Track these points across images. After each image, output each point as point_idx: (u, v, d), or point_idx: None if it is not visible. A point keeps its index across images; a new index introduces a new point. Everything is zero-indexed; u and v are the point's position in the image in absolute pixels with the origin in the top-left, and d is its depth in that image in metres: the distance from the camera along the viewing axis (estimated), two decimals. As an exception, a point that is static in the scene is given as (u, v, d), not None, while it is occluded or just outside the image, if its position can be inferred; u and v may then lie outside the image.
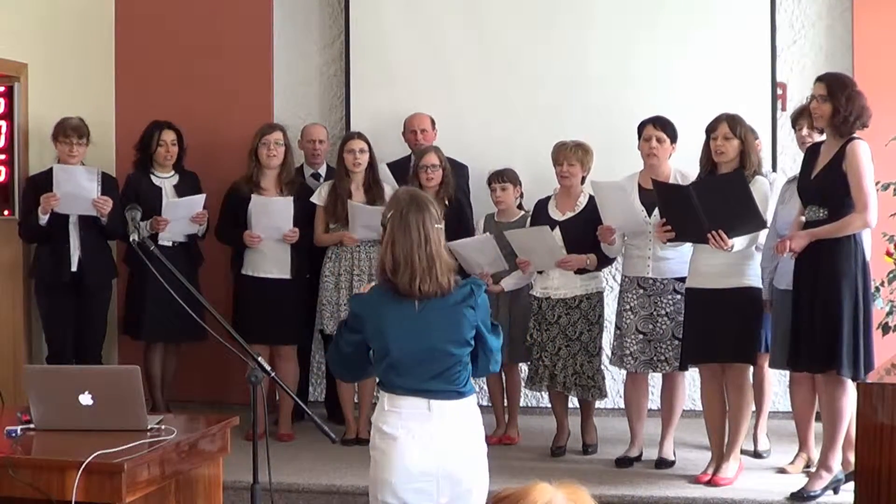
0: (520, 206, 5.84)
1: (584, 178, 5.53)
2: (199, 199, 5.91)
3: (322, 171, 6.42)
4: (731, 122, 4.90)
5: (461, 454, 3.20)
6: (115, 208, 5.64)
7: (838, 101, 4.46)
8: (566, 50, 6.46)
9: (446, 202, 5.81)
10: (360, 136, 5.86)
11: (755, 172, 4.91)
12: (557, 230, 5.45)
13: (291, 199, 5.81)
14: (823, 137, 4.70)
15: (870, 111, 4.49)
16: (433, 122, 6.30)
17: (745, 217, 4.68)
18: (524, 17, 6.52)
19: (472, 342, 3.23)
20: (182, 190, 6.02)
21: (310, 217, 5.85)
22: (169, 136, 6.02)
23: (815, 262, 4.49)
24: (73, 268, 5.72)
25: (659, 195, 4.98)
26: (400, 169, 6.11)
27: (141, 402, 3.53)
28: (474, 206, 6.07)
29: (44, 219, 5.61)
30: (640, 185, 5.30)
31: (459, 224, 5.81)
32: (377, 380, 3.34)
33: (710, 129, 4.95)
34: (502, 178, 5.76)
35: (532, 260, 5.50)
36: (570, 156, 5.46)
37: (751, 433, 5.36)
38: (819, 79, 4.62)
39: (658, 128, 5.24)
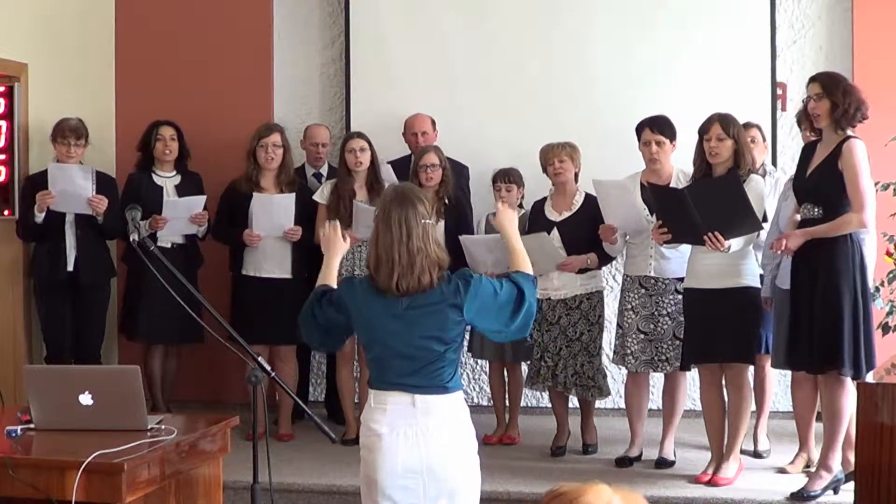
0: (520, 206, 5.85)
1: (577, 176, 5.54)
2: (199, 200, 5.90)
3: (324, 171, 6.42)
4: (724, 123, 4.89)
5: (447, 450, 3.20)
6: (112, 207, 5.64)
7: (835, 96, 4.46)
8: (566, 50, 6.46)
9: (446, 201, 5.82)
10: (359, 135, 5.86)
11: (749, 171, 4.91)
12: (555, 231, 5.45)
13: (293, 195, 5.80)
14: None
15: (867, 104, 4.49)
16: (434, 123, 6.30)
17: (740, 219, 4.68)
18: (524, 18, 6.52)
19: (458, 339, 3.22)
20: (184, 190, 5.99)
21: (310, 216, 5.85)
22: (167, 131, 6.00)
23: (812, 261, 4.49)
24: (70, 267, 5.71)
25: (654, 198, 4.98)
26: (400, 168, 6.11)
27: (141, 402, 3.53)
28: (475, 205, 6.07)
29: (40, 216, 5.61)
30: (642, 185, 5.30)
31: (459, 223, 5.82)
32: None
33: (703, 131, 4.95)
34: (508, 178, 5.77)
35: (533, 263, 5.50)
36: (559, 153, 5.47)
37: (751, 433, 5.36)
38: (812, 79, 4.63)
39: (656, 131, 5.24)
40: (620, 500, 1.89)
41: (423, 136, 6.24)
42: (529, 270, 3.36)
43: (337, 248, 3.49)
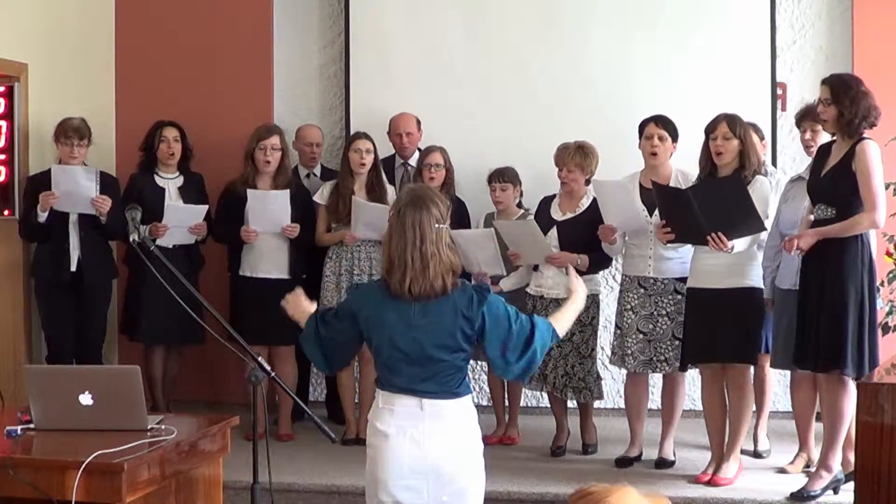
0: (519, 205, 5.84)
1: (588, 181, 5.52)
2: (200, 210, 5.90)
3: (317, 171, 6.42)
4: (731, 122, 4.90)
5: (453, 453, 3.20)
6: (115, 208, 5.63)
7: (842, 105, 4.46)
8: (566, 50, 6.46)
9: (448, 203, 5.80)
10: (366, 136, 5.85)
11: (755, 172, 4.91)
12: (554, 230, 5.45)
13: (287, 191, 5.78)
14: (829, 138, 4.71)
15: (878, 110, 4.49)
16: (419, 123, 6.30)
17: (744, 220, 4.68)
18: (524, 17, 6.52)
19: (467, 347, 3.21)
20: (186, 192, 5.99)
21: (306, 217, 5.84)
22: (171, 132, 6.00)
23: (821, 261, 4.49)
24: (73, 267, 5.71)
25: (658, 198, 4.98)
26: (384, 167, 6.09)
27: (141, 402, 3.53)
28: (475, 205, 6.06)
29: (43, 216, 5.60)
30: (640, 185, 5.30)
31: (459, 224, 5.81)
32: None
33: (710, 130, 4.95)
34: (503, 177, 5.75)
35: (521, 253, 5.50)
36: (569, 161, 5.44)
37: (751, 433, 5.36)
38: (823, 81, 4.62)
39: (660, 126, 5.24)
40: (648, 503, 1.88)
41: (409, 136, 6.25)
42: (560, 329, 3.32)
43: (303, 312, 3.44)
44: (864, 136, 4.49)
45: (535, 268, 5.54)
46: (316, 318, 3.36)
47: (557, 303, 5.41)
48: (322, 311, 3.39)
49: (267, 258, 5.83)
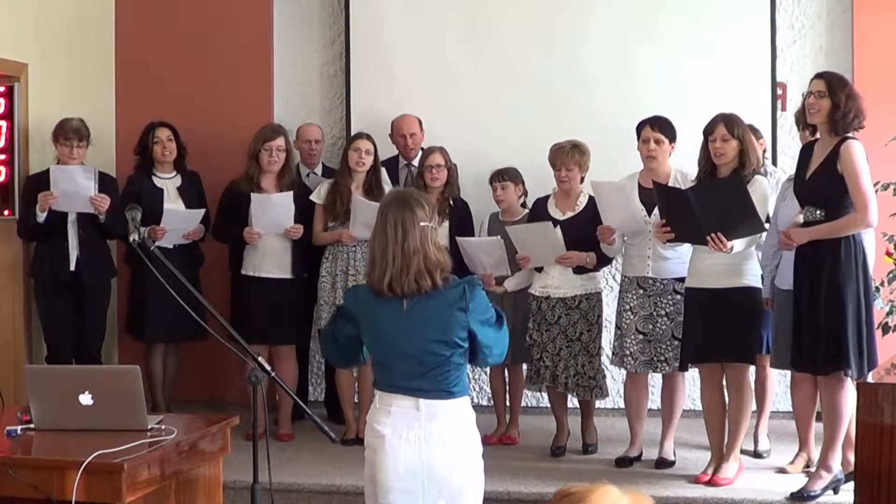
0: (523, 205, 5.84)
1: (582, 178, 5.53)
2: (198, 213, 5.90)
3: (318, 171, 6.42)
4: (729, 123, 4.89)
5: (450, 455, 3.20)
6: (114, 207, 5.64)
7: (838, 98, 4.45)
8: (566, 50, 6.46)
9: (451, 202, 5.81)
10: (368, 137, 5.85)
11: (754, 171, 4.91)
12: (558, 229, 5.45)
13: (291, 193, 5.79)
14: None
15: (865, 114, 4.49)
16: (421, 124, 6.31)
17: (744, 221, 4.68)
18: (524, 17, 6.52)
19: (463, 343, 3.21)
20: (185, 191, 6.01)
21: (308, 216, 5.84)
22: (163, 132, 6.01)
23: (815, 262, 4.49)
24: (72, 267, 5.71)
25: (658, 197, 4.98)
26: (388, 168, 6.10)
27: (141, 402, 3.53)
28: (476, 205, 6.06)
29: (41, 216, 5.61)
30: (640, 185, 5.30)
31: (462, 224, 5.82)
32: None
33: (708, 131, 4.94)
34: (502, 177, 5.75)
35: (532, 256, 5.50)
36: (567, 160, 5.44)
37: (751, 433, 5.36)
38: (818, 75, 4.61)
39: (656, 129, 5.24)
40: (629, 501, 1.88)
41: (412, 137, 6.25)
42: None
43: None
44: (848, 135, 4.48)
45: (539, 269, 5.54)
46: (332, 316, 3.45)
47: (564, 302, 5.44)
48: (337, 309, 3.46)
49: (270, 258, 5.82)
